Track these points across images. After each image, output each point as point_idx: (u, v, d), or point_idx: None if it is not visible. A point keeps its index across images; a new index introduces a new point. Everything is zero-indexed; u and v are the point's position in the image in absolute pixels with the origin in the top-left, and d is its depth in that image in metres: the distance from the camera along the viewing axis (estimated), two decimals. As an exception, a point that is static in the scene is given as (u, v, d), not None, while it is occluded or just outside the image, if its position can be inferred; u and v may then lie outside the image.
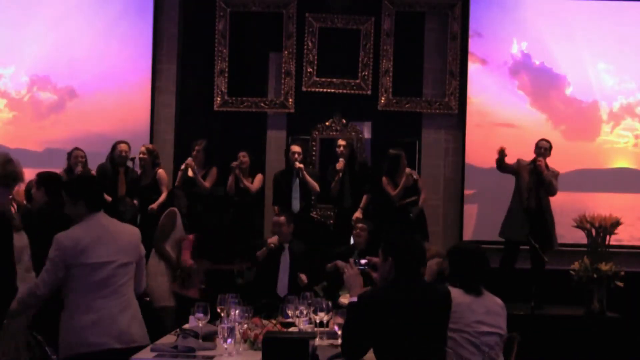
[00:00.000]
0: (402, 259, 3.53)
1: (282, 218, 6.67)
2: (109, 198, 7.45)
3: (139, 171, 7.75)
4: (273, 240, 6.63)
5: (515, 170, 7.72)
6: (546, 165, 7.70)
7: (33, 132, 8.84)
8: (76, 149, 7.68)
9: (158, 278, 6.28)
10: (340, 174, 7.71)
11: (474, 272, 4.02)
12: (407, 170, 7.70)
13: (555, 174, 7.76)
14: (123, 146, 7.72)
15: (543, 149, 7.72)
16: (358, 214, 7.58)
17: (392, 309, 3.39)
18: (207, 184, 7.69)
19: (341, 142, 7.91)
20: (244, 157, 7.87)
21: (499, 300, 4.09)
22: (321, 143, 8.76)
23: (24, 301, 3.77)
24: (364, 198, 7.73)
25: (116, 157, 7.70)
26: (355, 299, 3.60)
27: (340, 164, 7.74)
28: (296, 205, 7.62)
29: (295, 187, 7.70)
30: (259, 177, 7.92)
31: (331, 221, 8.31)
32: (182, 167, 7.71)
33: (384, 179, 7.68)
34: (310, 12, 8.84)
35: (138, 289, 4.08)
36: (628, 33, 8.92)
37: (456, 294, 3.79)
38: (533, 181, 7.61)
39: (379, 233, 6.68)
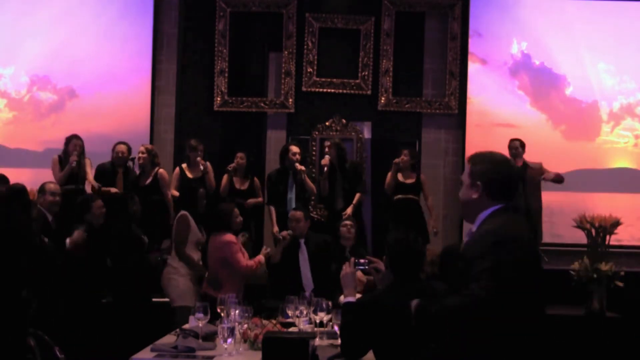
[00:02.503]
0: (397, 260, 3.51)
1: (299, 213, 6.62)
2: (114, 190, 7.47)
3: (137, 171, 7.76)
4: (283, 233, 6.59)
5: None
6: (526, 163, 7.65)
7: (33, 132, 8.84)
8: (75, 137, 7.64)
9: (178, 279, 6.26)
10: (325, 169, 7.71)
11: (463, 275, 4.02)
12: (395, 162, 7.73)
13: (539, 166, 7.72)
14: (121, 147, 7.71)
15: (514, 149, 7.70)
16: (348, 211, 7.54)
17: (391, 313, 3.38)
18: (213, 182, 7.79)
19: (326, 143, 7.96)
20: (241, 158, 7.87)
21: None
22: (321, 143, 8.74)
23: None
24: (356, 196, 7.72)
25: (114, 158, 7.71)
26: (349, 298, 3.59)
27: (325, 160, 7.76)
28: (291, 205, 7.61)
29: (290, 187, 7.68)
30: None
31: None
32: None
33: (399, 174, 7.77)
34: (310, 12, 8.84)
35: None
36: (628, 33, 8.93)
37: None
38: (521, 182, 7.59)
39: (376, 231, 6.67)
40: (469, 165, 2.90)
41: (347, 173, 7.80)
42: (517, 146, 7.72)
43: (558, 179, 7.88)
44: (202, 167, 7.67)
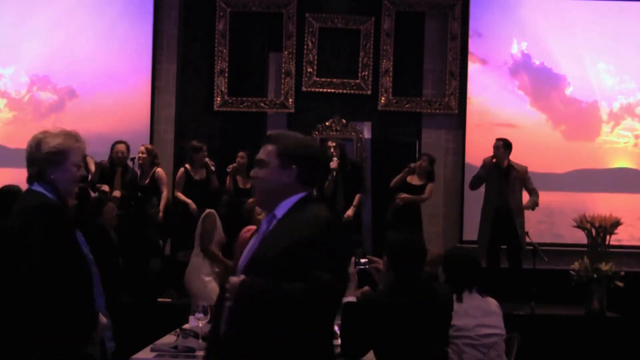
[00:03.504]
0: (399, 260, 3.51)
1: None
2: (117, 194, 7.48)
3: (138, 171, 7.77)
4: None
5: (483, 176, 7.67)
6: (511, 164, 7.62)
7: (33, 132, 8.76)
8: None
9: (203, 277, 6.29)
10: (334, 173, 7.74)
11: (467, 276, 4.04)
12: (410, 166, 7.76)
13: (524, 169, 7.69)
14: (121, 146, 7.74)
15: (495, 148, 7.64)
16: (350, 212, 7.59)
17: (391, 314, 3.38)
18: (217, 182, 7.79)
19: (331, 143, 7.95)
20: (242, 157, 7.87)
21: (493, 300, 4.12)
22: (321, 143, 8.74)
23: None
24: (357, 197, 7.76)
25: (114, 158, 7.73)
26: (350, 298, 3.58)
27: (334, 163, 7.77)
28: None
29: None
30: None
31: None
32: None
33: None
34: (310, 12, 8.84)
35: None
36: (628, 33, 8.93)
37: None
38: (500, 182, 7.56)
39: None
40: (277, 145, 2.55)
41: (349, 173, 7.84)
42: (498, 146, 7.59)
43: (533, 205, 7.68)
44: (212, 167, 7.69)
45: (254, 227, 6.23)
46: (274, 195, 2.55)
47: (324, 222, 2.44)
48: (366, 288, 5.31)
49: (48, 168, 2.99)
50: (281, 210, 2.52)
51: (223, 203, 6.76)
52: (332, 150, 7.85)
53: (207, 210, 6.45)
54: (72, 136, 3.05)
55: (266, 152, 2.56)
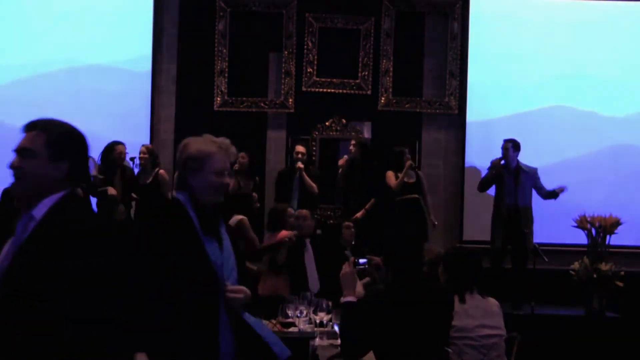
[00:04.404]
0: (394, 258, 3.51)
1: (305, 211, 6.54)
2: (112, 191, 7.43)
3: (136, 170, 7.76)
4: (289, 234, 6.22)
5: (491, 178, 7.68)
6: (519, 165, 7.65)
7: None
8: None
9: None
10: (340, 170, 7.77)
11: (468, 276, 4.04)
12: (409, 163, 7.79)
13: (534, 171, 7.74)
14: (121, 147, 7.63)
15: (504, 149, 7.67)
16: (358, 215, 7.57)
17: (391, 314, 3.37)
18: None
19: (352, 141, 7.99)
20: (242, 157, 7.88)
21: (494, 301, 4.11)
22: (321, 143, 8.76)
23: None
24: (371, 201, 7.76)
25: (114, 158, 7.57)
26: (349, 298, 3.58)
27: (342, 160, 7.80)
28: (294, 204, 7.66)
29: (295, 186, 7.74)
30: None
31: (331, 221, 8.31)
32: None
33: (388, 173, 7.77)
34: (310, 12, 8.84)
35: None
36: (628, 33, 8.92)
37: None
38: (511, 183, 7.57)
39: (378, 231, 6.69)
40: (47, 134, 2.28)
41: (369, 175, 7.81)
42: (507, 147, 7.65)
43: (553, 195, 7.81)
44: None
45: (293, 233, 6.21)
46: (40, 192, 2.24)
47: (89, 232, 2.19)
48: (367, 279, 5.33)
49: (187, 174, 2.86)
50: (40, 210, 2.21)
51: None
52: (350, 147, 7.90)
53: (240, 217, 6.31)
54: (215, 142, 2.89)
55: (32, 140, 2.26)
